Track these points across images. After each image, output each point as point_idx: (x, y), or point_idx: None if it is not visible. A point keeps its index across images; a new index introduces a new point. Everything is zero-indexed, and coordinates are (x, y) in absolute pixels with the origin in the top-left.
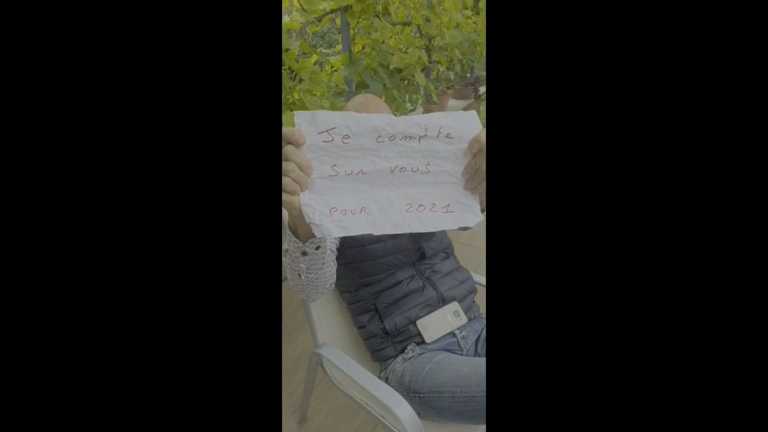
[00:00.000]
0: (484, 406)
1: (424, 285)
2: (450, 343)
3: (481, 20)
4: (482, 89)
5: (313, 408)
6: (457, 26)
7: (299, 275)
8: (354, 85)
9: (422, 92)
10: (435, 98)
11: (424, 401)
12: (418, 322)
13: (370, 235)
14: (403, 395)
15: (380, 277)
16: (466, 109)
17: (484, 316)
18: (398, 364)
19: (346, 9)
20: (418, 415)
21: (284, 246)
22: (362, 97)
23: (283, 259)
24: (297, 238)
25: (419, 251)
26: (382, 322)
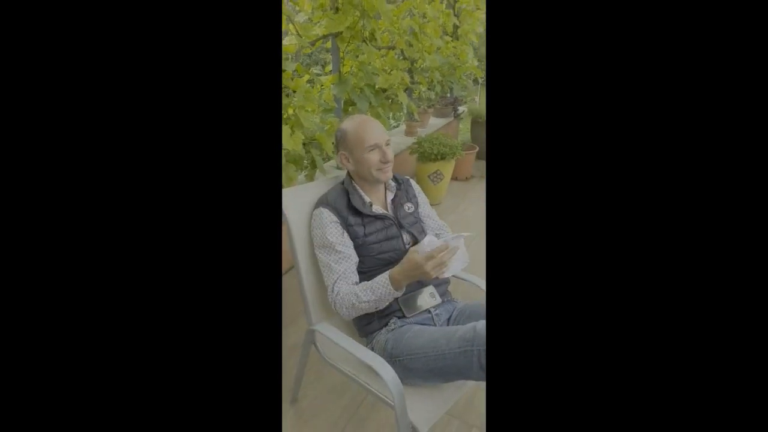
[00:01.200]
0: (452, 362)
1: None
2: (425, 318)
3: (460, 45)
4: (461, 108)
5: (303, 391)
6: (437, 50)
7: (366, 309)
8: (342, 102)
9: (405, 110)
10: (417, 116)
11: (402, 364)
12: (400, 300)
13: (374, 236)
14: (386, 361)
15: (375, 270)
16: (445, 127)
17: (455, 299)
18: (382, 335)
19: (337, 35)
20: (399, 379)
21: (372, 297)
22: (359, 118)
23: (364, 305)
24: (396, 288)
25: (412, 239)
26: None
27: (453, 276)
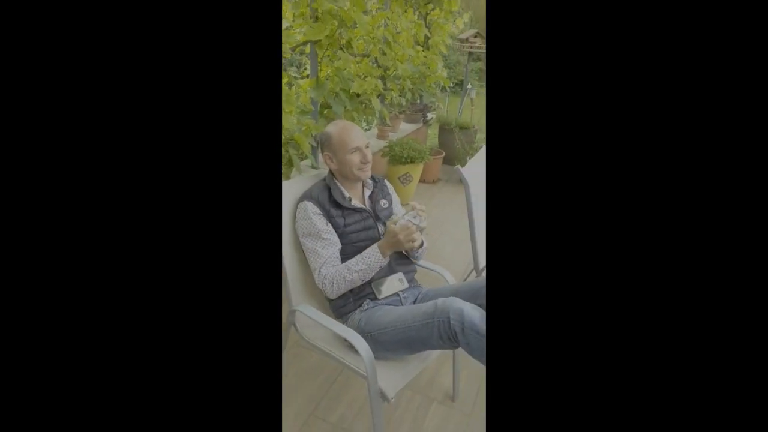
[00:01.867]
0: (416, 333)
1: None
2: (394, 300)
3: (430, 55)
4: (430, 115)
5: (282, 371)
6: (409, 59)
7: (353, 281)
8: (319, 105)
9: (377, 115)
10: (388, 121)
11: (374, 338)
12: (373, 284)
13: (353, 226)
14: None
15: (351, 256)
16: (415, 132)
17: (421, 285)
18: (356, 315)
19: (316, 42)
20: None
21: (363, 266)
22: (342, 123)
23: (355, 275)
24: (383, 255)
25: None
26: None
27: (420, 265)
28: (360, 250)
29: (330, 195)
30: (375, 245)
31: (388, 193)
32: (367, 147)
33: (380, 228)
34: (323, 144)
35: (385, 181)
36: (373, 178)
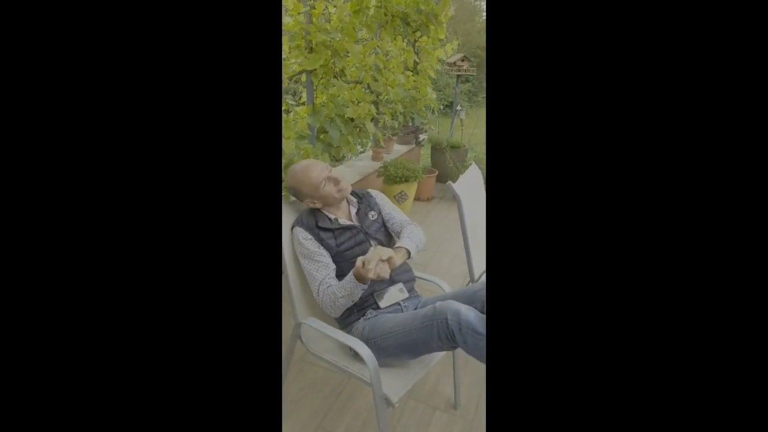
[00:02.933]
0: (416, 335)
1: None
2: (396, 309)
3: (420, 80)
4: (422, 136)
5: (286, 386)
6: (399, 85)
7: (345, 303)
8: (315, 130)
9: (372, 138)
10: (382, 143)
11: (377, 344)
12: (375, 294)
13: (345, 244)
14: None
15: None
16: (408, 153)
17: (420, 294)
18: (360, 323)
19: (311, 71)
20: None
21: (345, 293)
22: (296, 168)
23: (342, 300)
24: (359, 281)
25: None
26: None
27: (418, 276)
28: (347, 267)
29: (316, 221)
30: (351, 273)
31: (376, 204)
32: (330, 171)
33: (372, 242)
34: (298, 195)
35: (372, 192)
36: (355, 193)
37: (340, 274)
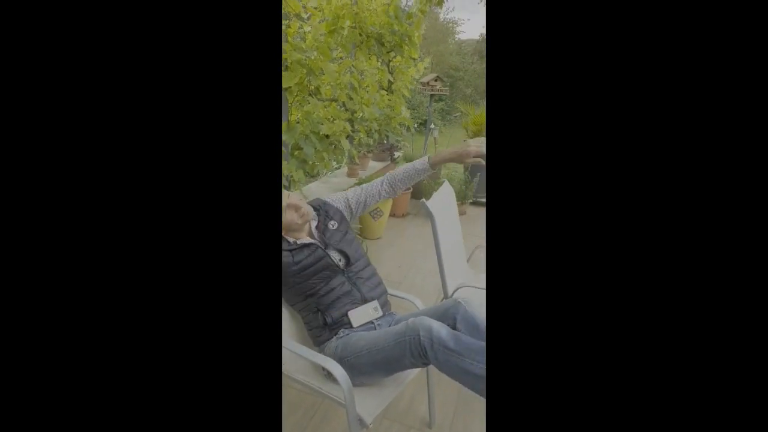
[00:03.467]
0: (389, 352)
1: (351, 288)
2: (369, 328)
3: (394, 98)
4: (397, 153)
5: None
6: (374, 103)
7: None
8: (290, 147)
9: (347, 155)
10: (357, 160)
11: (350, 363)
12: (349, 313)
13: (303, 262)
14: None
15: (319, 288)
16: (383, 169)
17: (394, 312)
18: (333, 343)
19: (287, 88)
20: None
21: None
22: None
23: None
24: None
25: (345, 258)
26: (323, 317)
27: (392, 294)
28: (314, 284)
29: None
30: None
31: (337, 210)
32: (290, 197)
33: (333, 254)
34: None
35: (327, 200)
36: (313, 207)
37: (300, 293)
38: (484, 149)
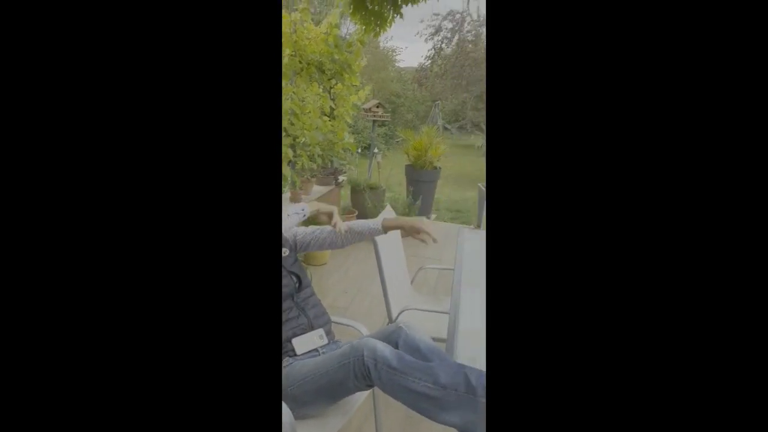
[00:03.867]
0: (333, 375)
1: (299, 314)
2: (314, 356)
3: (337, 124)
4: (341, 177)
5: None
6: (317, 128)
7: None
8: None
9: (289, 180)
10: (299, 186)
11: (293, 394)
12: (293, 340)
13: None
14: None
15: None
16: (328, 194)
17: (339, 340)
18: None
19: None
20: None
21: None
22: None
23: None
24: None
25: (299, 281)
26: None
27: (336, 321)
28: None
29: None
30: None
31: (286, 239)
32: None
33: (290, 276)
34: None
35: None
36: None
37: None
38: (431, 231)
